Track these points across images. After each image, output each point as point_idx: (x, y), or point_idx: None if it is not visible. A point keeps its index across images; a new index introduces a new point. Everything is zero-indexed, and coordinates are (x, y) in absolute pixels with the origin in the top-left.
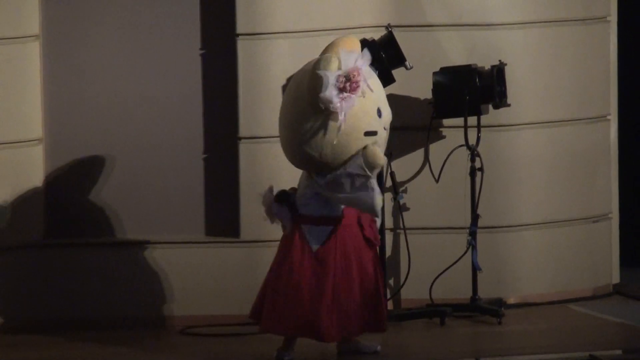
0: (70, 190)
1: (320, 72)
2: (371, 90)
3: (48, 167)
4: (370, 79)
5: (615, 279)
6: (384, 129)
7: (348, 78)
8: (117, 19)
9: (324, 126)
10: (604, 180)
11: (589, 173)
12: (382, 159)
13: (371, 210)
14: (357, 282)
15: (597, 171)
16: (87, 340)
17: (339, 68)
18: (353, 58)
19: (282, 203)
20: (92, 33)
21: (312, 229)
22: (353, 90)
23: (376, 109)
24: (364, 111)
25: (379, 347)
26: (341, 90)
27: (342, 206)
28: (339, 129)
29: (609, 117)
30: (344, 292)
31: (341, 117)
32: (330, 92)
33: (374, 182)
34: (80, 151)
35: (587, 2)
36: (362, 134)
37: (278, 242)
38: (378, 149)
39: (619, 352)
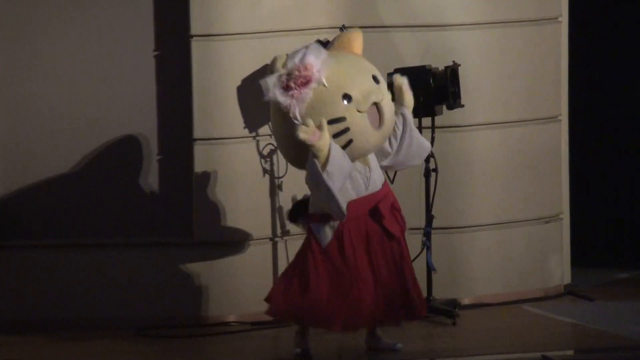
0: (20, 191)
1: (261, 80)
2: (325, 85)
3: None
4: (329, 69)
5: (567, 279)
6: (358, 111)
7: (291, 75)
8: (70, 20)
9: (289, 124)
10: (555, 180)
11: (540, 174)
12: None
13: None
14: (368, 276)
15: (548, 172)
16: (35, 343)
17: (284, 66)
18: (299, 55)
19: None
20: (44, 34)
21: (319, 226)
22: (302, 85)
23: (341, 95)
24: (322, 101)
25: (398, 345)
26: (286, 88)
27: (344, 200)
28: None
29: (559, 118)
30: (350, 286)
31: (295, 112)
32: (273, 94)
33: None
34: (31, 153)
35: (538, 3)
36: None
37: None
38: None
39: (570, 352)
